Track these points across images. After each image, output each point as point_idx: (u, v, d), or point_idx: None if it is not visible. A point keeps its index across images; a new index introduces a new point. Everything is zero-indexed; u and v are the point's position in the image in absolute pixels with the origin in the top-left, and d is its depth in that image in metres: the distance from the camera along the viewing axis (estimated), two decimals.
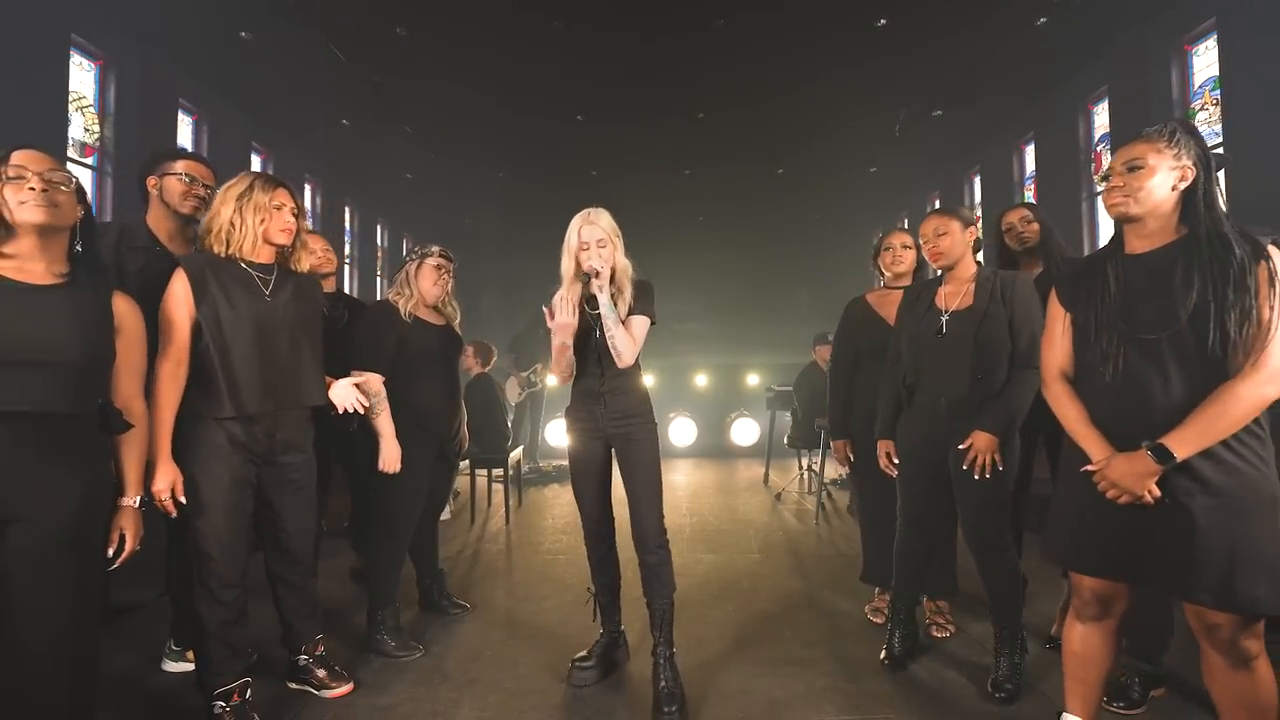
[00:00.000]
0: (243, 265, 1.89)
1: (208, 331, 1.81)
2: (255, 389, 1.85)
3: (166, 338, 1.79)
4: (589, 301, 2.17)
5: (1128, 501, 1.41)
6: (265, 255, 1.93)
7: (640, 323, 2.17)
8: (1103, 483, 1.43)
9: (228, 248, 1.87)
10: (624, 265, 2.19)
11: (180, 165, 2.15)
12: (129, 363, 1.58)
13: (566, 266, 2.17)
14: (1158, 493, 1.38)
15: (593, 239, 2.12)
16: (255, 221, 1.87)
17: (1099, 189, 6.63)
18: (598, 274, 2.06)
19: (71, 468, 1.42)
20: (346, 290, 7.78)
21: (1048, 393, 1.62)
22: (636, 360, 2.21)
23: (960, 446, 2.06)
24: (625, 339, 2.09)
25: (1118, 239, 1.55)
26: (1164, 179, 1.42)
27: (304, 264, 2.04)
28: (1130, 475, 1.38)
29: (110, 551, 1.52)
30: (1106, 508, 1.45)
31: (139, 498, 1.60)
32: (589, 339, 2.18)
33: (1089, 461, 1.49)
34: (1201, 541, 1.35)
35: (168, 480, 1.74)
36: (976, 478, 2.04)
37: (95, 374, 1.50)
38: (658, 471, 2.19)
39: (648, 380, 2.44)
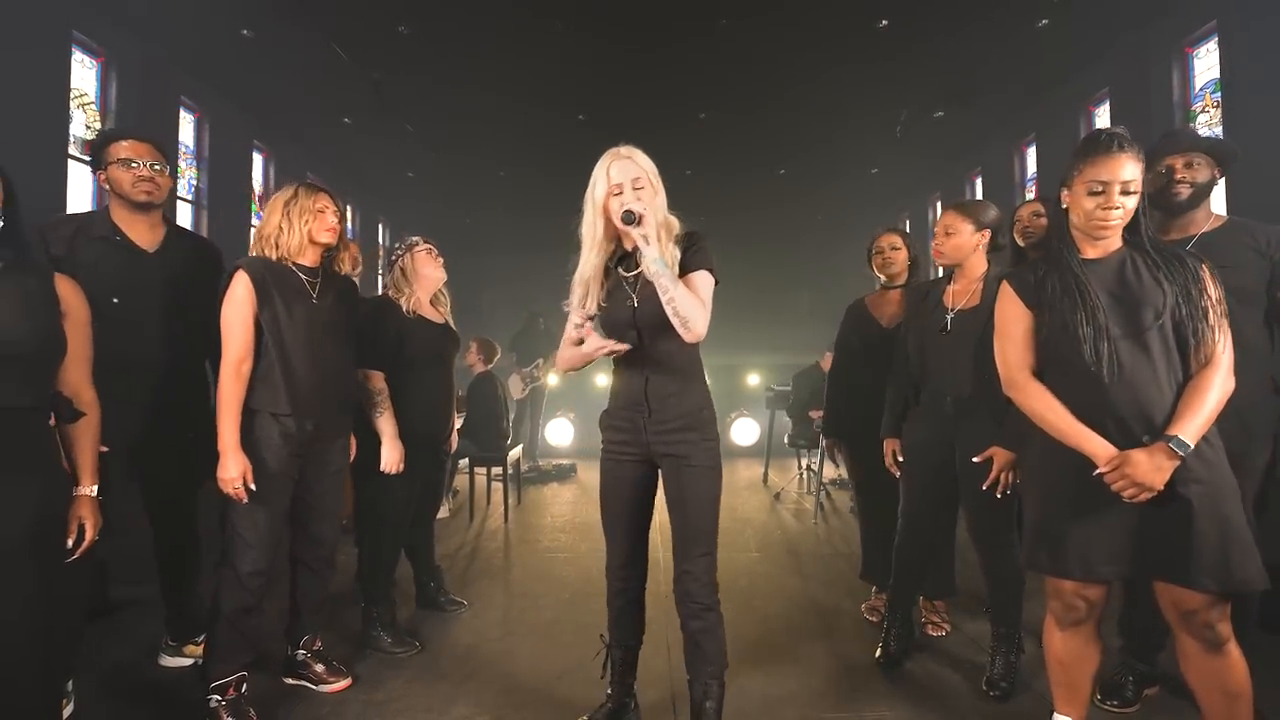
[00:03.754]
0: (293, 269, 1.99)
1: (269, 333, 1.92)
2: (310, 388, 1.96)
3: (230, 338, 1.88)
4: (621, 263, 1.69)
5: (1145, 498, 1.40)
6: (311, 258, 2.03)
7: (703, 280, 1.62)
8: (1121, 481, 1.40)
9: (277, 250, 1.97)
10: (666, 219, 1.66)
11: (122, 151, 2.07)
12: (77, 348, 1.49)
13: (590, 227, 1.67)
14: (1163, 484, 1.40)
15: (627, 178, 1.63)
16: (301, 223, 1.98)
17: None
18: (639, 219, 1.54)
19: (30, 463, 1.37)
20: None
21: (1021, 393, 1.57)
22: (696, 350, 1.69)
23: (975, 460, 2.02)
24: (690, 300, 1.54)
25: (1070, 244, 1.56)
26: (1138, 198, 1.49)
27: (346, 266, 2.14)
28: (1153, 470, 1.38)
29: (70, 542, 1.46)
30: (1106, 506, 1.45)
31: (95, 486, 1.55)
32: (621, 314, 1.66)
33: (1067, 463, 1.49)
34: (1200, 528, 1.39)
35: (239, 469, 1.83)
36: (999, 495, 2.01)
37: (49, 363, 1.43)
38: (715, 507, 1.68)
39: None
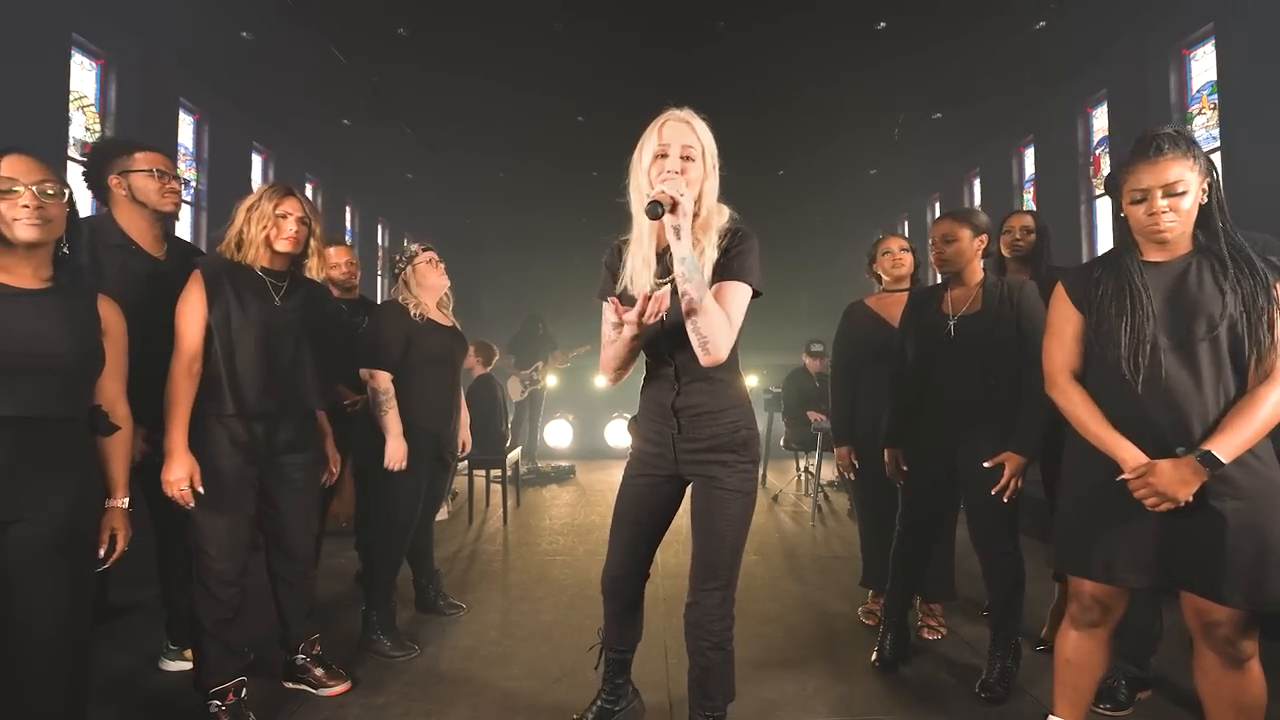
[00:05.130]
0: (256, 271, 1.96)
1: (216, 333, 1.88)
2: (256, 388, 1.90)
3: (181, 338, 1.86)
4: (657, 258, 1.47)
5: (1167, 508, 1.38)
6: (277, 262, 2.00)
7: (735, 291, 1.41)
8: (1143, 489, 1.39)
9: (238, 253, 1.95)
10: (715, 205, 1.48)
11: (143, 160, 2.07)
12: (114, 365, 1.56)
13: (635, 204, 1.46)
14: (1190, 497, 1.38)
15: (677, 142, 1.43)
16: (258, 230, 1.94)
17: (1098, 193, 6.69)
18: (674, 205, 1.31)
19: (66, 470, 1.43)
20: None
21: (1059, 394, 1.57)
22: (734, 356, 1.50)
23: (987, 465, 2.02)
24: (714, 317, 1.35)
25: (1130, 246, 1.52)
26: (1194, 196, 1.43)
27: (316, 271, 2.08)
28: (1177, 482, 1.36)
29: (101, 552, 1.53)
30: (1135, 514, 1.43)
31: (127, 498, 1.60)
32: (650, 327, 1.43)
33: (1101, 467, 1.48)
34: (1233, 543, 1.37)
35: (185, 470, 1.79)
36: (1006, 500, 2.01)
37: (87, 377, 1.51)
38: (740, 536, 1.52)
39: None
